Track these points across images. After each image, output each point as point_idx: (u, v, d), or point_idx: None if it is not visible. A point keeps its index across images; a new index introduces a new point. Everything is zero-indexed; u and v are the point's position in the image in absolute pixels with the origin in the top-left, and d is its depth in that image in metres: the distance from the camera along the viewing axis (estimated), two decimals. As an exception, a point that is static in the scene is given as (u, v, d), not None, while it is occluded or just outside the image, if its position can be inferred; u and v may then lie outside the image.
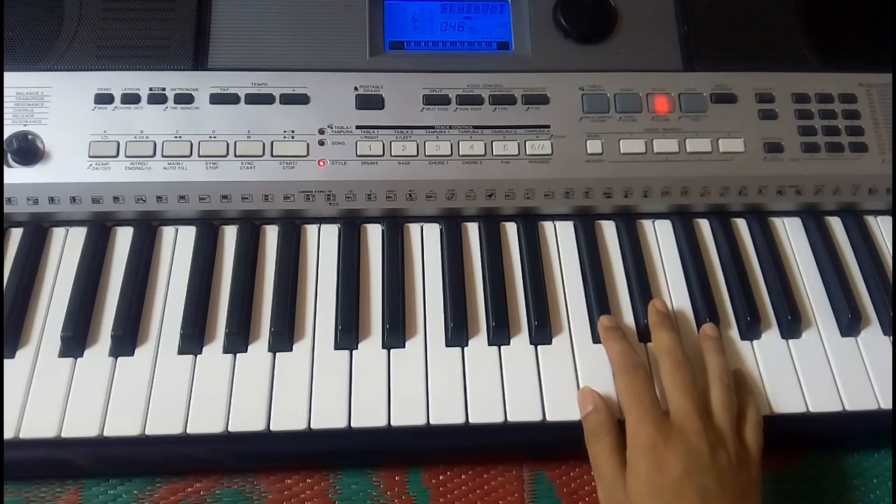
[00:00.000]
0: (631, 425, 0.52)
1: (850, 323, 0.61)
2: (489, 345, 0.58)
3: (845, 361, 0.59)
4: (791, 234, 0.66)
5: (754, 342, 0.60)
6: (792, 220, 0.67)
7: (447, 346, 0.58)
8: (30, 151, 0.59)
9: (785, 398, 0.57)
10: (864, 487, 0.58)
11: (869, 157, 0.65)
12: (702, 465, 0.49)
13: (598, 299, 0.60)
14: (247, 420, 0.54)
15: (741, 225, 0.67)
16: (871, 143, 0.66)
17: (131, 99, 0.61)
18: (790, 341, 0.60)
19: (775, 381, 0.58)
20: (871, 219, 0.68)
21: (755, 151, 0.64)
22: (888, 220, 0.67)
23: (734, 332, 0.61)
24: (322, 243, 0.63)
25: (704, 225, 0.67)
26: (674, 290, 0.63)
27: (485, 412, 0.55)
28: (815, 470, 0.58)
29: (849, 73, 0.67)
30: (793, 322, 0.60)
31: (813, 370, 0.59)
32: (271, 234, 0.63)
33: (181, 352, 0.57)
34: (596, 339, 0.59)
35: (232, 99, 0.62)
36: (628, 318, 0.61)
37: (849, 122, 0.66)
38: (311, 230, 0.64)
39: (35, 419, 0.53)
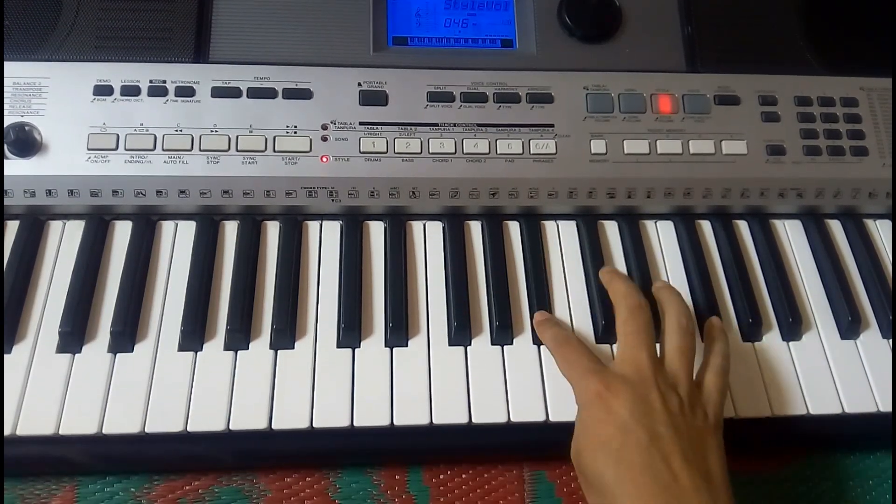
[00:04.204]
0: (575, 384, 0.52)
1: (849, 326, 0.61)
2: (492, 344, 0.58)
3: (845, 364, 0.60)
4: (792, 236, 0.67)
5: (755, 344, 0.61)
6: (792, 222, 0.68)
7: (450, 345, 0.58)
8: (27, 143, 0.58)
9: (785, 400, 0.58)
10: (862, 489, 0.58)
11: (869, 160, 0.66)
12: (649, 410, 0.48)
13: (601, 300, 0.60)
14: (248, 418, 0.53)
15: (742, 227, 0.67)
16: (871, 146, 0.66)
17: (131, 91, 0.60)
18: (790, 343, 0.61)
19: (776, 382, 0.58)
20: (870, 222, 0.68)
21: (757, 154, 0.65)
22: (888, 223, 0.68)
23: (735, 333, 0.61)
24: (324, 240, 0.62)
25: (706, 226, 0.67)
26: (676, 291, 0.63)
27: (488, 412, 0.55)
28: (813, 471, 0.59)
29: (850, 76, 0.68)
30: (793, 324, 0.61)
31: (813, 372, 0.59)
32: (272, 231, 0.63)
33: (181, 348, 0.56)
34: (599, 340, 0.59)
35: (234, 93, 0.61)
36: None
37: (850, 125, 0.66)
38: (312, 227, 0.63)
39: (32, 416, 0.52)
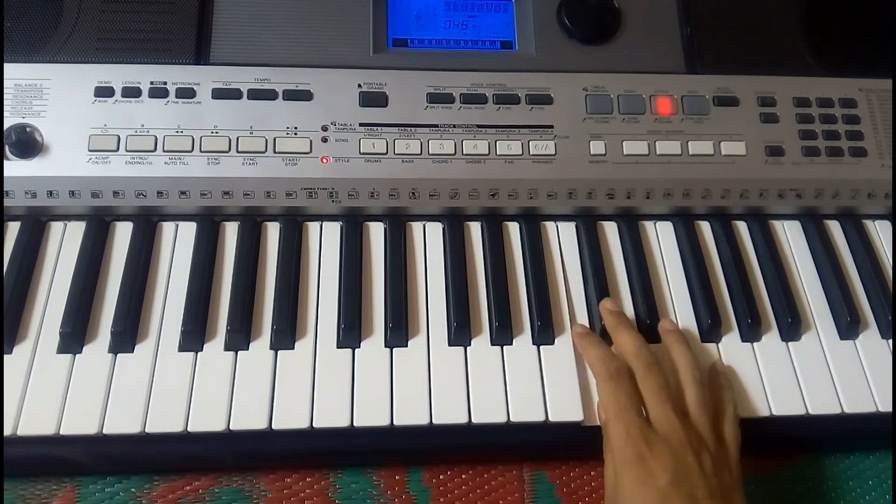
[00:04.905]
0: (615, 438, 0.51)
1: (848, 326, 0.61)
2: (492, 345, 0.58)
3: (844, 364, 0.60)
4: (791, 237, 0.67)
5: (755, 344, 0.61)
6: (792, 223, 0.68)
7: (450, 345, 0.58)
8: (28, 144, 0.58)
9: (785, 400, 0.58)
10: (861, 489, 0.58)
11: (868, 161, 0.66)
12: (688, 474, 0.48)
13: (600, 300, 0.60)
14: (248, 418, 0.53)
15: (742, 227, 0.67)
16: (870, 147, 0.66)
17: (132, 92, 0.61)
18: (790, 344, 0.61)
19: (775, 382, 0.58)
20: (869, 223, 0.68)
21: (756, 155, 0.65)
22: (887, 224, 0.68)
23: (735, 333, 0.61)
24: (324, 241, 0.63)
25: (705, 227, 0.67)
26: (675, 291, 0.63)
27: (487, 412, 0.55)
28: (812, 471, 0.59)
29: (849, 77, 0.68)
30: (793, 325, 0.61)
31: (812, 372, 0.59)
32: (273, 231, 0.63)
33: (182, 349, 0.56)
34: (599, 340, 0.59)
35: (234, 94, 0.62)
36: (630, 318, 0.61)
37: (849, 126, 0.66)
38: (313, 227, 0.63)
39: (33, 416, 0.52)
